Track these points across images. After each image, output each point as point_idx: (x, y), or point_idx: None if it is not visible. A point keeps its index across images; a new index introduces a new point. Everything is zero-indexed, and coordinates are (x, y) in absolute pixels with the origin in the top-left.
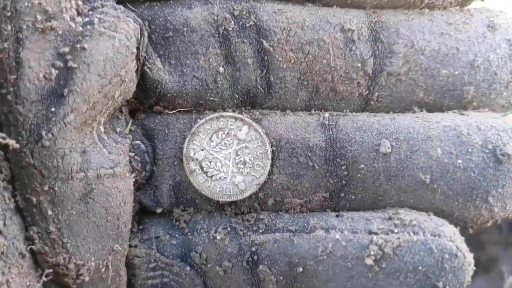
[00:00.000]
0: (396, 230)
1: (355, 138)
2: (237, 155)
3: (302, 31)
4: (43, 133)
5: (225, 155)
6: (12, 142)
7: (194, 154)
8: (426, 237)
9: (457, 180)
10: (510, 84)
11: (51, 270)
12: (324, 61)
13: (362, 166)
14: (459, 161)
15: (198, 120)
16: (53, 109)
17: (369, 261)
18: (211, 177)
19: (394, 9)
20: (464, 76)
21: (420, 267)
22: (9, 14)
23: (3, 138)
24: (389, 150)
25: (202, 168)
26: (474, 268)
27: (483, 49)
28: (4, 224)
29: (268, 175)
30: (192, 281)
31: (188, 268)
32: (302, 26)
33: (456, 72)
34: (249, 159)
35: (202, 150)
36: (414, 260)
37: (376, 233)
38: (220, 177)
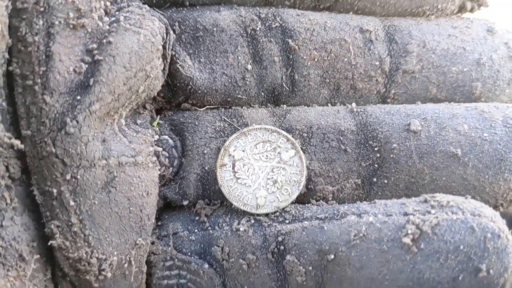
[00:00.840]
0: (433, 211)
1: (385, 121)
2: (272, 171)
3: (324, 31)
4: (68, 120)
5: (261, 166)
6: (17, 143)
7: (234, 150)
8: (466, 216)
9: (485, 153)
10: (511, 82)
11: (65, 261)
12: (345, 59)
13: (394, 145)
14: (485, 134)
15: (254, 124)
16: (78, 97)
17: (407, 240)
18: (237, 179)
19: (403, 17)
20: (471, 72)
21: (461, 247)
22: (42, 9)
23: (9, 138)
24: (420, 128)
25: (234, 166)
26: None
27: (486, 49)
28: (1, 226)
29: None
30: (211, 280)
31: (206, 265)
32: (324, 27)
33: (465, 69)
34: (281, 180)
35: (243, 151)
36: (455, 239)
37: (412, 214)
38: (246, 183)
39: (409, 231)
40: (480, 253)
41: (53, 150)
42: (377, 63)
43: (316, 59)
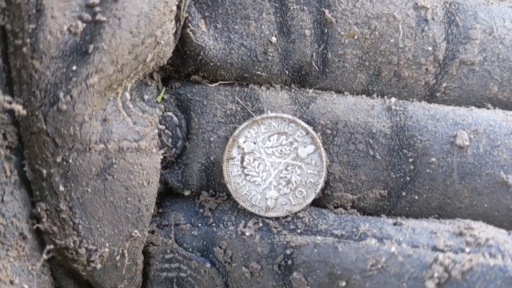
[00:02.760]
0: (467, 250)
1: (427, 127)
2: (286, 170)
3: (370, 3)
4: (61, 95)
5: (274, 163)
6: (18, 108)
7: (243, 142)
8: (506, 262)
9: None
10: None
11: (51, 246)
12: (392, 40)
13: (433, 159)
14: None
15: (269, 112)
16: (74, 68)
17: (430, 285)
18: (246, 175)
19: None
20: None
21: None
22: None
23: (9, 102)
24: (467, 143)
25: (242, 160)
26: None
27: None
28: (2, 201)
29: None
30: (212, 280)
31: (208, 264)
32: None
33: None
34: (295, 181)
35: (254, 143)
36: None
37: (442, 251)
38: (255, 181)
39: (435, 274)
40: None
41: (44, 127)
42: (430, 48)
43: (356, 37)
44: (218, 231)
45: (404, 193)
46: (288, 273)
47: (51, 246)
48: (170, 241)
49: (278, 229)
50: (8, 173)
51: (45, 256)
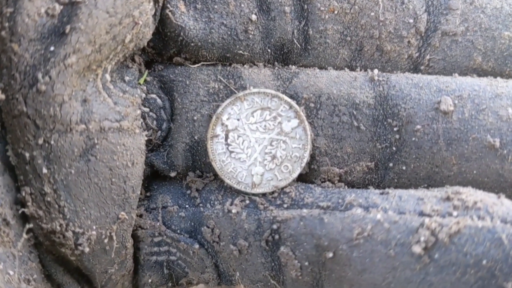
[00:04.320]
0: (455, 213)
1: (411, 95)
2: (271, 145)
3: None
4: (39, 76)
5: (258, 138)
6: None
7: (227, 119)
8: (495, 223)
9: None
10: None
11: (31, 225)
12: (372, 13)
13: (418, 127)
14: None
15: (251, 87)
16: (52, 49)
17: (417, 249)
18: (231, 152)
19: None
20: None
21: (484, 262)
22: None
23: None
24: (452, 108)
25: (227, 137)
26: None
27: None
28: None
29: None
30: (202, 261)
31: (196, 245)
32: None
33: None
34: (280, 156)
35: (238, 120)
36: (477, 252)
37: (429, 215)
38: (240, 158)
39: (422, 238)
40: (507, 270)
41: (24, 109)
42: (411, 20)
43: (336, 12)
44: (205, 211)
45: (391, 164)
46: (276, 249)
47: (31, 226)
48: (158, 224)
49: (265, 205)
50: None
51: (25, 236)
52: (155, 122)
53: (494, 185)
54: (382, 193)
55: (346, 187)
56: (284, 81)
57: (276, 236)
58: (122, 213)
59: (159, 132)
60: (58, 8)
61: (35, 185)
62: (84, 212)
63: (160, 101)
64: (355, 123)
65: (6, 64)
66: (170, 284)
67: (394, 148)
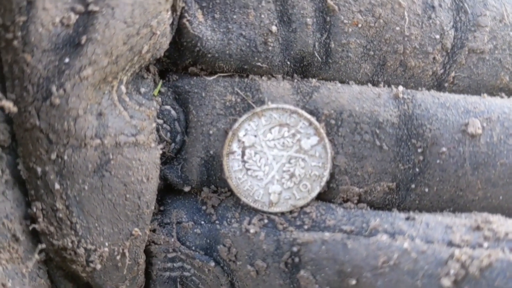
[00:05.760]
0: (486, 245)
1: (437, 115)
2: (289, 163)
3: None
4: (54, 88)
5: (276, 156)
6: (9, 105)
7: (244, 135)
8: None
9: None
10: None
11: (44, 246)
12: (397, 28)
13: (443, 149)
14: None
15: (269, 103)
16: (67, 60)
17: (446, 282)
18: (247, 170)
19: None
20: None
21: None
22: None
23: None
24: (480, 131)
25: (243, 154)
26: None
27: None
28: None
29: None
30: (217, 279)
31: (212, 263)
32: None
33: None
34: (299, 174)
35: (255, 136)
36: (508, 287)
37: (458, 246)
38: (257, 176)
39: (452, 271)
40: None
41: (37, 123)
42: (438, 36)
43: (360, 25)
44: (221, 229)
45: (413, 186)
46: (296, 271)
47: (43, 246)
48: (173, 240)
49: (284, 226)
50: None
51: (37, 256)
52: (168, 134)
53: None
54: (407, 218)
55: (368, 207)
56: (304, 96)
57: (296, 259)
58: (136, 229)
59: (173, 144)
60: (74, 17)
61: (46, 200)
62: (96, 228)
63: (174, 113)
64: (378, 142)
65: (18, 75)
66: None
67: (417, 170)
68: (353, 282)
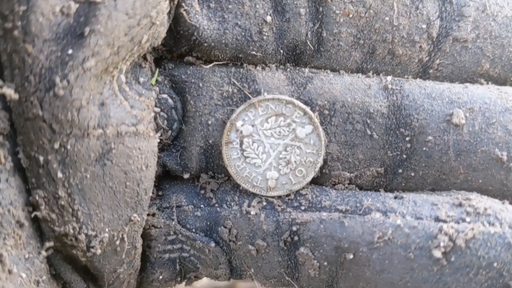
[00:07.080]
0: (468, 219)
1: (424, 106)
2: (285, 150)
3: None
4: (57, 79)
5: (272, 144)
6: (10, 92)
7: (242, 125)
8: (504, 229)
9: None
10: None
11: (51, 243)
12: (386, 18)
13: (429, 138)
14: None
15: (265, 93)
16: (70, 52)
17: (437, 253)
18: (246, 158)
19: None
20: None
21: (494, 264)
22: None
23: (0, 87)
24: (463, 122)
25: (241, 143)
26: None
27: None
28: None
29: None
30: (216, 258)
31: (212, 244)
32: None
33: None
34: (295, 161)
35: (252, 126)
36: (489, 255)
37: (445, 221)
38: (255, 163)
39: (442, 243)
40: None
41: (40, 113)
42: (424, 26)
43: (350, 15)
44: (222, 211)
45: (400, 170)
46: (294, 249)
47: (51, 243)
48: (173, 223)
49: (282, 207)
50: (3, 160)
51: (44, 253)
52: (165, 122)
53: (498, 193)
54: (396, 197)
55: (357, 189)
56: (298, 87)
57: (296, 238)
58: (135, 215)
59: (170, 132)
60: (74, 6)
61: (48, 188)
62: (97, 215)
63: (171, 101)
64: (368, 132)
65: (18, 65)
66: (178, 279)
67: (404, 156)
68: (350, 256)
